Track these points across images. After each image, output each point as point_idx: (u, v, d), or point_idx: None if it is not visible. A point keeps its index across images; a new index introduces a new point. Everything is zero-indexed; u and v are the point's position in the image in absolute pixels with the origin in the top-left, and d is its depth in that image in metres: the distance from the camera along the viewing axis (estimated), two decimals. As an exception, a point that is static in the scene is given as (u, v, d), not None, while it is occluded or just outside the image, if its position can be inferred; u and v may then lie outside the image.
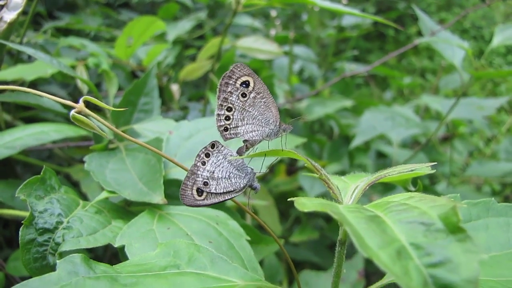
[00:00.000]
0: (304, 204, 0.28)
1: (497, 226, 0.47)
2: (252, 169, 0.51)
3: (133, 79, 1.23)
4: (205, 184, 0.49)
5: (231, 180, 0.50)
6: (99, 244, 0.49)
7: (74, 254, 0.39)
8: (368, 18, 0.86)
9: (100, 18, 1.37)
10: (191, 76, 1.07)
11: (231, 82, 0.50)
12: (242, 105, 0.50)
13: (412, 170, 0.39)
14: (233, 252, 0.47)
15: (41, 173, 0.54)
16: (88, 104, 0.44)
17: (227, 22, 0.91)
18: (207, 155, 0.49)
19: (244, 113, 0.51)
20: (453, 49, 1.07)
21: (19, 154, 0.91)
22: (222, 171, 0.50)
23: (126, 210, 0.59)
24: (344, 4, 1.60)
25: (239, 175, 0.51)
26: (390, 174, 0.38)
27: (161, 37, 1.44)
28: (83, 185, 0.88)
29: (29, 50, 0.63)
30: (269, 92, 0.51)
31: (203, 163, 0.49)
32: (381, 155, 1.54)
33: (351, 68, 1.62)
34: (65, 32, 1.39)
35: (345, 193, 0.39)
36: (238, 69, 0.50)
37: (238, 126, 0.51)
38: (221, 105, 0.50)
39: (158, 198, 0.52)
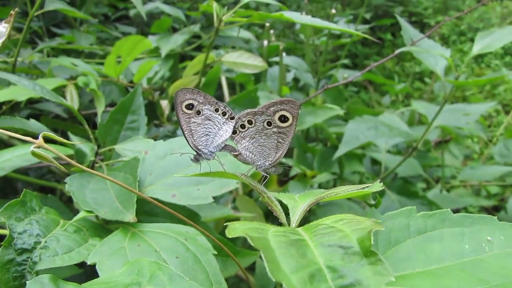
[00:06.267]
0: (235, 229, 0.31)
1: (451, 237, 0.49)
2: (214, 156, 0.55)
3: (126, 94, 1.27)
4: (192, 109, 0.53)
5: (201, 138, 0.54)
6: (74, 262, 0.52)
7: (43, 275, 0.42)
8: (348, 32, 0.88)
9: (94, 35, 1.41)
10: (180, 91, 1.10)
11: (278, 107, 0.53)
12: (261, 129, 0.53)
13: (350, 191, 0.41)
14: (198, 267, 0.50)
15: (21, 196, 0.57)
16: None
17: (210, 40, 0.94)
18: (218, 111, 0.53)
19: (256, 136, 0.53)
20: (436, 57, 1.09)
21: (18, 174, 0.95)
22: (205, 129, 0.53)
23: (105, 228, 0.62)
24: (334, 12, 1.62)
25: (206, 144, 0.54)
26: (329, 195, 0.41)
27: (155, 51, 1.47)
28: (75, 202, 0.91)
29: (13, 78, 0.67)
30: (292, 138, 0.54)
31: (198, 112, 0.53)
32: (376, 162, 1.56)
33: (344, 75, 1.64)
34: (62, 49, 1.43)
35: (293, 213, 0.41)
36: (292, 105, 0.52)
37: (242, 140, 0.54)
38: (240, 118, 0.53)
39: (130, 216, 0.55)
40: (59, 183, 1.12)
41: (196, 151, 0.55)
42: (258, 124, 0.52)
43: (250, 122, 0.52)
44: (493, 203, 1.65)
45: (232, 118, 0.53)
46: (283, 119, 0.52)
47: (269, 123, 0.52)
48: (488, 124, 2.61)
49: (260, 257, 0.84)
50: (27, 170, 1.14)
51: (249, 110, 0.52)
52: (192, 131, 0.54)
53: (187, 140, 0.54)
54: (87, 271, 0.86)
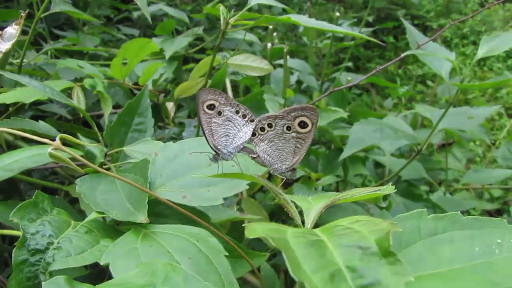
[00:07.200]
0: (255, 230, 0.31)
1: (462, 239, 0.50)
2: (232, 156, 0.55)
3: (132, 96, 1.27)
4: (213, 109, 0.53)
5: (221, 139, 0.55)
6: (87, 262, 0.52)
7: (58, 276, 0.42)
8: (353, 35, 0.89)
9: (98, 37, 1.42)
10: (186, 93, 1.11)
11: (299, 112, 0.53)
12: (280, 133, 0.54)
13: (363, 193, 0.41)
14: (210, 268, 0.50)
15: (33, 197, 0.57)
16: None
17: (217, 43, 0.94)
18: (239, 113, 0.54)
19: (275, 139, 0.54)
20: (441, 60, 1.09)
21: (22, 175, 0.95)
22: (225, 129, 0.54)
23: (116, 229, 0.62)
24: (338, 15, 1.63)
25: (225, 145, 0.55)
26: (344, 197, 0.41)
27: (160, 53, 1.47)
28: (81, 203, 0.91)
29: (24, 79, 0.67)
30: (309, 144, 0.55)
31: (219, 113, 0.54)
32: (378, 165, 1.57)
33: (347, 78, 1.65)
34: (66, 51, 1.44)
35: (307, 214, 0.42)
36: (313, 112, 0.53)
37: (261, 142, 0.55)
38: (260, 120, 0.54)
39: (142, 217, 0.56)
40: (62, 184, 1.13)
41: (215, 151, 0.56)
42: (278, 128, 0.53)
43: (270, 125, 0.53)
44: (496, 206, 1.65)
45: (252, 121, 0.54)
46: (303, 125, 0.53)
47: (288, 128, 0.53)
48: (490, 127, 2.62)
49: (266, 260, 0.84)
50: (30, 171, 1.15)
51: (270, 114, 0.53)
52: (213, 131, 0.55)
53: (207, 139, 0.55)
54: (92, 273, 0.86)
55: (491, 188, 1.70)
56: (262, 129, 0.54)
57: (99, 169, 0.48)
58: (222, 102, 0.54)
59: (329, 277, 0.27)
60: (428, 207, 1.19)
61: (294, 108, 0.53)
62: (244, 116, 0.54)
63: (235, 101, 0.54)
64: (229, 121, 0.54)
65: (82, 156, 0.72)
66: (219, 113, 0.54)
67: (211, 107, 0.54)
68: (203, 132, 0.55)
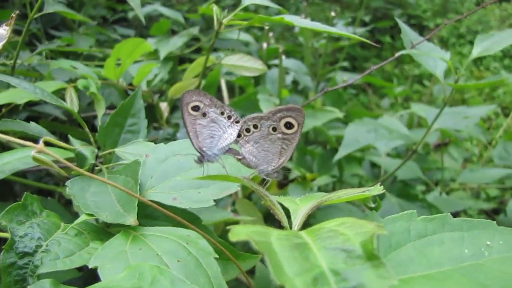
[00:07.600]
0: (238, 232, 0.31)
1: (451, 241, 0.49)
2: (218, 158, 0.55)
3: (126, 96, 1.27)
4: (198, 111, 0.53)
5: (206, 140, 0.54)
6: (75, 265, 0.52)
7: (44, 280, 0.42)
8: (347, 36, 0.88)
9: (93, 38, 1.41)
10: (180, 94, 1.10)
11: (285, 113, 0.53)
12: (266, 134, 0.54)
13: (351, 194, 0.41)
14: (200, 270, 0.50)
15: (22, 199, 0.57)
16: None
17: (210, 43, 0.94)
18: (224, 114, 0.54)
19: (261, 140, 0.54)
20: (435, 60, 1.09)
21: (16, 176, 0.94)
22: (210, 131, 0.54)
23: (106, 231, 0.62)
24: (333, 15, 1.63)
25: (210, 146, 0.55)
26: (331, 198, 0.41)
27: (154, 53, 1.47)
28: (74, 205, 0.90)
29: (14, 81, 0.67)
30: (295, 145, 0.54)
31: (203, 114, 0.53)
32: (375, 165, 1.56)
33: (343, 78, 1.65)
34: (61, 52, 1.43)
35: (295, 216, 0.42)
36: (299, 112, 0.53)
37: (246, 144, 0.54)
38: (245, 121, 0.54)
39: (131, 219, 0.55)
40: (57, 186, 1.12)
41: (200, 153, 0.55)
42: (263, 129, 0.53)
43: (255, 126, 0.53)
44: (492, 206, 1.65)
45: (237, 122, 0.53)
46: (289, 125, 0.52)
47: (274, 129, 0.53)
48: (487, 126, 2.62)
49: (260, 261, 0.84)
50: (25, 172, 1.14)
51: (255, 115, 0.53)
52: (197, 132, 0.54)
53: (191, 141, 0.55)
54: (85, 275, 0.86)
55: (488, 187, 1.69)
56: (248, 130, 0.53)
57: (85, 172, 0.47)
58: (207, 104, 0.53)
59: (312, 281, 0.27)
60: (423, 207, 1.18)
61: (280, 109, 0.52)
62: (229, 117, 0.53)
63: (220, 102, 0.54)
64: (214, 122, 0.54)
65: (68, 159, 0.71)
66: (204, 115, 0.54)
67: (195, 108, 0.53)
68: (188, 134, 0.54)
